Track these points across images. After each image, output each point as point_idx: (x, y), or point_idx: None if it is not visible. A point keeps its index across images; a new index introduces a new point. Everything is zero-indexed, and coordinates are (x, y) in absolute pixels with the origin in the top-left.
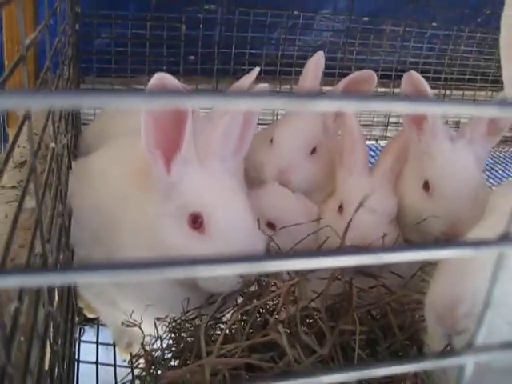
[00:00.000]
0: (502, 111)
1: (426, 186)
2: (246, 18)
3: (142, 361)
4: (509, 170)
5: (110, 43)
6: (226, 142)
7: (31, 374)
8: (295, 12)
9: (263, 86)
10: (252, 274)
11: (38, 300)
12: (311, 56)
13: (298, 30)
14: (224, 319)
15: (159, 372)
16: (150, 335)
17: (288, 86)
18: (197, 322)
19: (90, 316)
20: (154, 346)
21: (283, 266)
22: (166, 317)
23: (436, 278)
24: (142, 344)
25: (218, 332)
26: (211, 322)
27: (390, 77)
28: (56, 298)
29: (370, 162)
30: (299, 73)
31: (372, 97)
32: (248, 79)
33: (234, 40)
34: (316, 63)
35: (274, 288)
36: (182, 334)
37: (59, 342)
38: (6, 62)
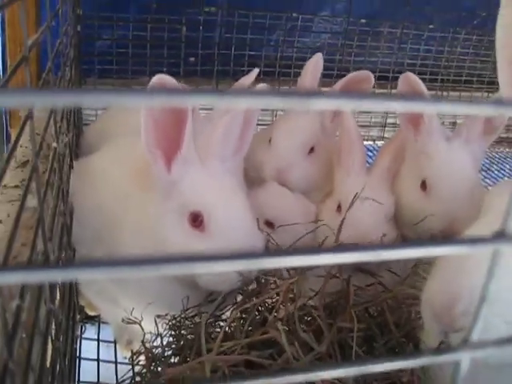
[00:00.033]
0: (498, 110)
1: (424, 185)
2: (245, 20)
3: (142, 358)
4: (504, 170)
5: (111, 45)
6: (226, 142)
7: (33, 370)
8: (294, 14)
9: (262, 85)
10: (251, 273)
11: (39, 297)
12: (310, 57)
13: (296, 31)
14: (223, 317)
15: (159, 369)
16: (151, 333)
17: (287, 87)
18: (196, 319)
19: (92, 314)
20: (155, 344)
21: (281, 262)
22: (166, 314)
23: (433, 275)
24: (143, 341)
25: (218, 330)
26: (211, 320)
27: (387, 78)
28: (58, 296)
29: (367, 162)
30: (298, 74)
31: (369, 95)
32: (247, 80)
33: (233, 42)
34: (315, 64)
35: (273, 286)
36: (182, 332)
37: (61, 339)
38: (9, 63)
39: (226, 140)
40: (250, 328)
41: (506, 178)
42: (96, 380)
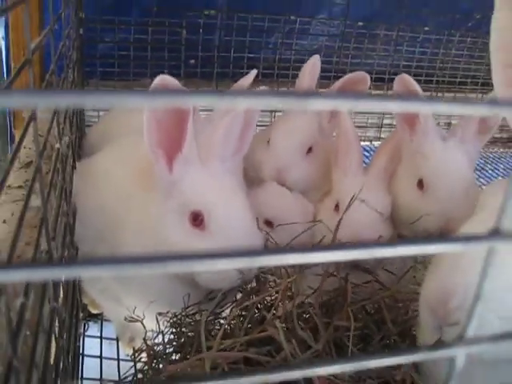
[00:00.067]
0: (492, 110)
1: (420, 184)
2: (244, 23)
3: (144, 355)
4: (498, 170)
5: (113, 47)
6: (226, 143)
7: (37, 367)
8: (292, 17)
9: (262, 88)
10: (251, 271)
11: (43, 296)
12: (307, 60)
13: (294, 34)
14: (223, 315)
15: (161, 366)
16: (152, 330)
17: (285, 89)
18: (197, 317)
19: (94, 312)
20: (156, 341)
21: (279, 260)
22: (167, 312)
23: (430, 272)
24: (144, 339)
25: (218, 327)
26: (211, 318)
27: (383, 80)
28: (61, 294)
29: (364, 162)
30: (296, 76)
31: (365, 96)
32: (246, 81)
33: (232, 44)
34: (312, 66)
35: (271, 284)
36: (183, 329)
37: (64, 337)
38: (13, 65)
39: (226, 140)
40: (249, 326)
41: (499, 178)
42: (99, 377)
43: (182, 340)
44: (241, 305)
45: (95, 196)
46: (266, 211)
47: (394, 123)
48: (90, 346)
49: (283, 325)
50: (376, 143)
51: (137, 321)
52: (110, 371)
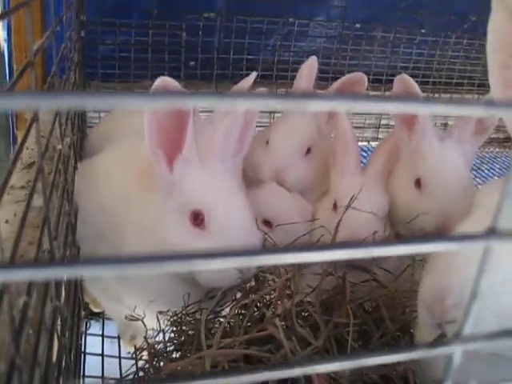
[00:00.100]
0: (489, 111)
1: (418, 183)
2: (243, 25)
3: (145, 353)
4: (494, 170)
5: (114, 49)
6: (226, 144)
7: (39, 365)
8: (290, 19)
9: (261, 89)
10: (250, 270)
11: (45, 295)
12: (306, 61)
13: (293, 36)
14: (223, 313)
15: (161, 364)
16: (153, 329)
17: (284, 90)
18: (197, 315)
19: (96, 310)
20: (157, 339)
21: (278, 259)
22: (167, 311)
23: (426, 271)
24: (145, 337)
25: (217, 326)
26: (211, 316)
27: (381, 81)
28: (63, 293)
29: (362, 162)
30: (294, 77)
31: (363, 97)
32: (246, 83)
33: (232, 46)
34: (310, 67)
35: (270, 283)
36: (183, 328)
37: (66, 335)
38: (15, 67)
39: (226, 142)
40: (248, 324)
41: (495, 178)
42: (100, 374)
43: (183, 338)
44: (240, 303)
45: (96, 196)
46: (265, 211)
47: (392, 124)
48: (92, 344)
49: (282, 323)
50: (374, 143)
51: (137, 319)
52: (112, 369)
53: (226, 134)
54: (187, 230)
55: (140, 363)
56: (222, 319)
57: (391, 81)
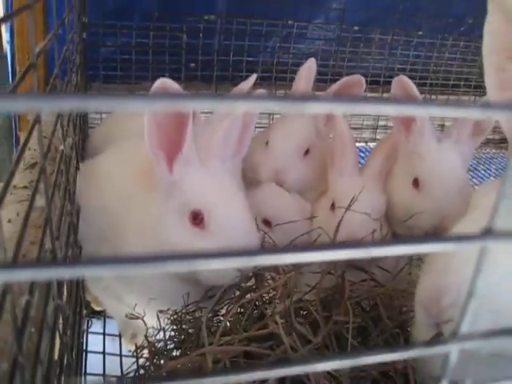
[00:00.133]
0: (485, 114)
1: (416, 182)
2: (243, 27)
3: (145, 351)
4: (490, 170)
5: (115, 51)
6: (225, 145)
7: (41, 363)
8: (289, 22)
9: (260, 91)
10: (250, 268)
11: (47, 293)
12: (304, 63)
13: (292, 38)
14: (222, 312)
15: (162, 361)
16: (153, 327)
17: (283, 92)
18: (197, 314)
19: (97, 309)
20: (157, 337)
21: (278, 259)
22: (167, 309)
23: (423, 271)
24: (146, 335)
25: (217, 324)
26: (210, 315)
27: (378, 83)
28: (65, 292)
29: (360, 162)
30: (293, 79)
31: (361, 99)
32: (246, 85)
33: (232, 48)
34: (308, 69)
35: (270, 281)
36: (183, 326)
37: (68, 333)
38: (18, 69)
39: (225, 142)
40: (247, 322)
41: (492, 178)
42: (102, 372)
43: (183, 337)
44: (239, 302)
45: (98, 196)
46: (265, 211)
47: (389, 125)
48: (94, 342)
49: (282, 320)
50: (371, 144)
51: (138, 318)
52: (113, 367)
53: (225, 134)
54: (187, 230)
55: (141, 361)
56: (221, 318)
57: (389, 82)
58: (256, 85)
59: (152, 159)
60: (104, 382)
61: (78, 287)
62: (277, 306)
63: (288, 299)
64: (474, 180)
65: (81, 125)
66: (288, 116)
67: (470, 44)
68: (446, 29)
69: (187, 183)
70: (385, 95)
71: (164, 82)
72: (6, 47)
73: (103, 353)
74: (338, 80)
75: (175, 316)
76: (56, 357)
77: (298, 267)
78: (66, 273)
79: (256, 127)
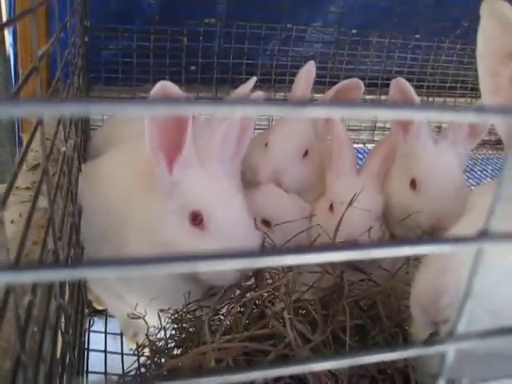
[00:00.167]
0: (480, 117)
1: (413, 183)
2: (242, 30)
3: (147, 350)
4: (486, 171)
5: (116, 54)
6: (224, 146)
7: (44, 361)
8: (288, 25)
9: (259, 93)
10: (250, 268)
11: (50, 293)
12: (303, 66)
13: (290, 41)
14: (223, 311)
15: (163, 360)
16: (155, 326)
17: (282, 94)
18: (197, 313)
19: (99, 308)
20: (158, 336)
21: (278, 261)
22: (168, 309)
23: (421, 271)
24: (147, 334)
25: (218, 323)
26: (211, 314)
27: (376, 85)
28: (67, 292)
29: (358, 163)
30: (292, 81)
31: (358, 103)
32: (246, 87)
33: (231, 51)
34: (307, 72)
35: (269, 280)
36: (184, 325)
37: (70, 332)
38: (21, 72)
39: (224, 144)
40: (247, 322)
41: (488, 179)
42: (103, 370)
43: (183, 335)
44: (240, 301)
45: (100, 197)
46: (264, 211)
47: (387, 126)
48: (95, 340)
49: (286, 317)
50: (369, 146)
51: (139, 317)
52: (115, 365)
53: (224, 137)
54: (187, 231)
55: (142, 359)
56: (222, 317)
57: (387, 85)
58: (255, 87)
59: (152, 160)
60: (105, 381)
61: (79, 287)
62: (277, 304)
63: (288, 298)
64: (470, 181)
65: (83, 126)
66: (287, 118)
67: (466, 47)
68: (443, 32)
69: (187, 184)
70: (383, 97)
71: (164, 86)
72: (10, 50)
73: (105, 351)
74: (336, 82)
75: (176, 315)
76: (58, 355)
77: (297, 267)
78: (68, 275)
79: (255, 129)
